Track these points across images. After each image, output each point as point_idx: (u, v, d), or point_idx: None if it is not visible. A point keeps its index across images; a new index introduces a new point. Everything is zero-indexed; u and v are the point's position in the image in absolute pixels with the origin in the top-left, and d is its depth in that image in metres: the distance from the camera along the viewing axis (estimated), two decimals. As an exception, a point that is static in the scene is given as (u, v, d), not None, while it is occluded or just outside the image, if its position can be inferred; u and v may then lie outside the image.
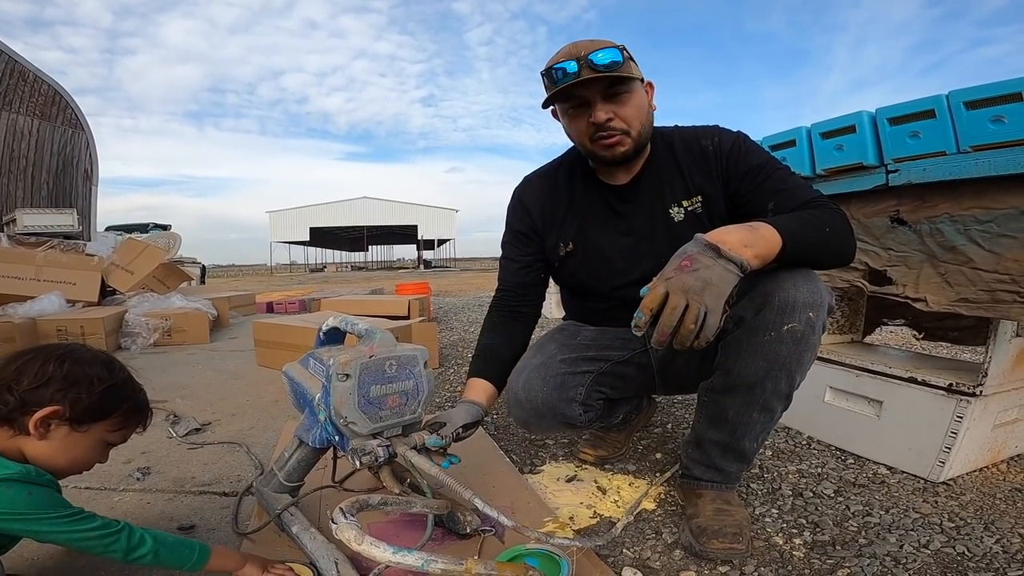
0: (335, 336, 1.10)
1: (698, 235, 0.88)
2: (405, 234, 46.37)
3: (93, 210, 11.26)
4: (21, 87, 9.74)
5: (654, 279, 0.86)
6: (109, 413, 0.84)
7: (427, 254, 45.24)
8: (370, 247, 56.15)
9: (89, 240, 6.97)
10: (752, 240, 0.89)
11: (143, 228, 11.53)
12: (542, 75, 1.09)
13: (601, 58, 1.02)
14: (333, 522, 0.68)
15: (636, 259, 1.21)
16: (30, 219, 7.63)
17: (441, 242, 45.67)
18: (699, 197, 1.17)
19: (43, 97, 10.17)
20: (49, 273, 4.03)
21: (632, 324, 0.84)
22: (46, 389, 0.79)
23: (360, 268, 47.31)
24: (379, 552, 0.64)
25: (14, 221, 7.62)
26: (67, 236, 6.71)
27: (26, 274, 3.95)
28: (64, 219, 7.92)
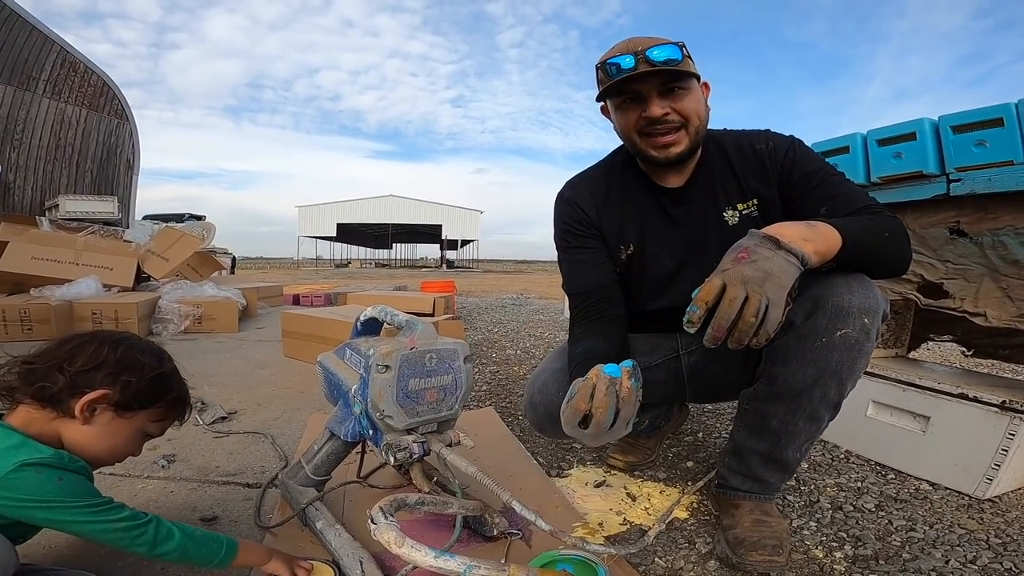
0: (372, 327, 1.09)
1: (753, 230, 0.84)
2: (429, 233, 46.73)
3: (133, 199, 11.57)
4: (72, 78, 10.06)
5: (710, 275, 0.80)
6: (155, 402, 0.84)
7: (450, 254, 45.51)
8: (394, 245, 56.73)
9: (128, 228, 7.15)
10: (812, 235, 0.84)
11: (179, 218, 11.83)
12: (596, 68, 1.06)
13: (659, 54, 0.98)
14: (373, 522, 0.66)
15: (687, 266, 1.16)
16: (72, 205, 7.87)
17: (465, 242, 45.89)
18: (755, 201, 1.13)
19: (92, 88, 10.49)
20: (88, 258, 4.15)
21: (685, 320, 0.79)
22: (98, 372, 0.78)
23: (384, 265, 47.82)
24: (420, 556, 0.62)
25: (56, 206, 7.88)
26: (107, 223, 6.92)
27: (65, 258, 4.07)
28: (105, 206, 8.15)
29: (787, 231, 0.83)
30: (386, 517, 0.65)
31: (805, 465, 1.49)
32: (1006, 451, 1.22)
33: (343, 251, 55.51)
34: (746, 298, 0.75)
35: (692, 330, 0.78)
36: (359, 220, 41.85)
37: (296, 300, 5.68)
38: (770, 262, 0.78)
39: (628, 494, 1.31)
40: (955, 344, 1.75)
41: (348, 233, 46.68)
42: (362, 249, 60.73)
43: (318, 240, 46.99)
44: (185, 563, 0.80)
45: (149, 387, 0.82)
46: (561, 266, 1.23)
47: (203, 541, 0.79)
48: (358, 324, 1.08)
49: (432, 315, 3.60)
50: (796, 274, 0.80)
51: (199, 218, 12.06)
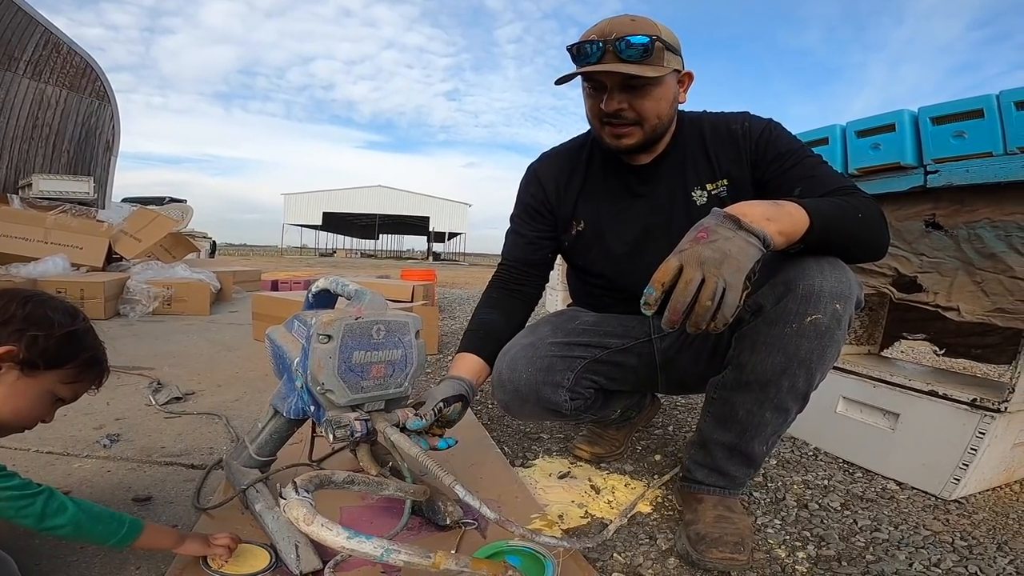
0: (325, 299, 1.03)
1: (716, 209, 0.81)
2: (417, 225, 46.44)
3: (110, 180, 11.29)
4: (54, 58, 9.80)
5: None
6: (65, 362, 0.77)
7: (437, 246, 45.29)
8: (381, 236, 56.29)
9: (103, 208, 6.97)
10: (776, 214, 0.81)
11: (159, 201, 11.56)
12: (567, 49, 1.03)
13: (628, 46, 0.95)
14: (282, 497, 0.60)
15: (650, 243, 1.14)
16: (46, 184, 7.65)
17: (452, 235, 45.68)
18: (725, 181, 1.10)
19: (74, 69, 10.23)
20: (57, 236, 4.02)
21: (641, 302, 0.76)
22: (3, 328, 0.72)
23: (369, 255, 47.46)
24: (331, 536, 0.55)
25: (30, 185, 7.65)
26: (82, 203, 6.73)
27: (34, 236, 3.94)
28: (80, 186, 7.93)
29: (750, 210, 0.80)
30: (298, 492, 0.60)
31: (773, 462, 1.46)
32: (975, 450, 1.20)
33: (329, 240, 54.97)
34: (703, 281, 0.72)
35: (648, 312, 0.75)
36: (346, 209, 41.43)
37: (275, 286, 5.55)
38: (729, 243, 0.75)
39: (592, 486, 1.27)
40: (928, 343, 1.74)
41: (334, 222, 46.22)
42: (348, 239, 60.17)
43: (303, 228, 46.42)
44: (79, 540, 0.75)
45: (59, 345, 0.75)
46: (506, 232, 1.31)
47: (101, 519, 0.73)
48: (310, 296, 1.02)
49: (411, 301, 3.54)
50: (756, 256, 0.76)
51: (180, 202, 11.81)
